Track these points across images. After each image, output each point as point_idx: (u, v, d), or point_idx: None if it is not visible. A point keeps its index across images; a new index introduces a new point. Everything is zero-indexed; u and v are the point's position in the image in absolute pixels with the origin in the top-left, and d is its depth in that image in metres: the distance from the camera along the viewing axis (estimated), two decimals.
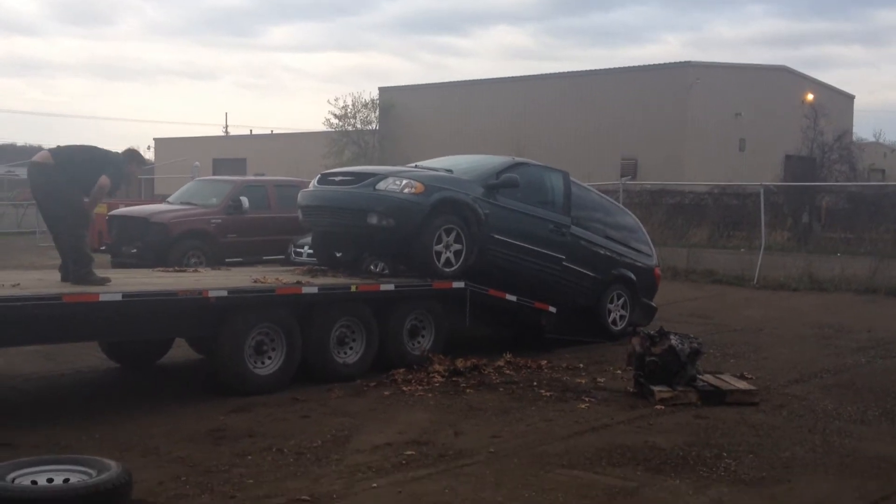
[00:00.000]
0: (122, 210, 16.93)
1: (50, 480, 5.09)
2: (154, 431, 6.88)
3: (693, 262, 19.62)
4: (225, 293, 7.95)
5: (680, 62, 40.16)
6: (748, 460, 6.37)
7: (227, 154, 55.17)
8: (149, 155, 63.25)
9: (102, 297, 7.21)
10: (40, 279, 8.50)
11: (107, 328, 7.60)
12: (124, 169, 8.56)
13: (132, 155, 8.86)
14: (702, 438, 6.93)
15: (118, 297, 7.27)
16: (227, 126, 78.00)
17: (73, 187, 8.14)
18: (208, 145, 57.27)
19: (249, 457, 6.26)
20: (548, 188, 11.09)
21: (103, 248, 16.92)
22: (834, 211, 32.78)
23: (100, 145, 8.68)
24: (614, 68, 42.37)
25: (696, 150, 38.18)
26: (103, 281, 8.04)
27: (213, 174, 37.82)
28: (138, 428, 6.97)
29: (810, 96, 41.41)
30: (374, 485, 5.71)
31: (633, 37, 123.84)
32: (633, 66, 41.98)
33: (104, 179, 8.16)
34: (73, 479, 5.09)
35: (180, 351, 9.77)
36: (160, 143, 61.50)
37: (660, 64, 41.13)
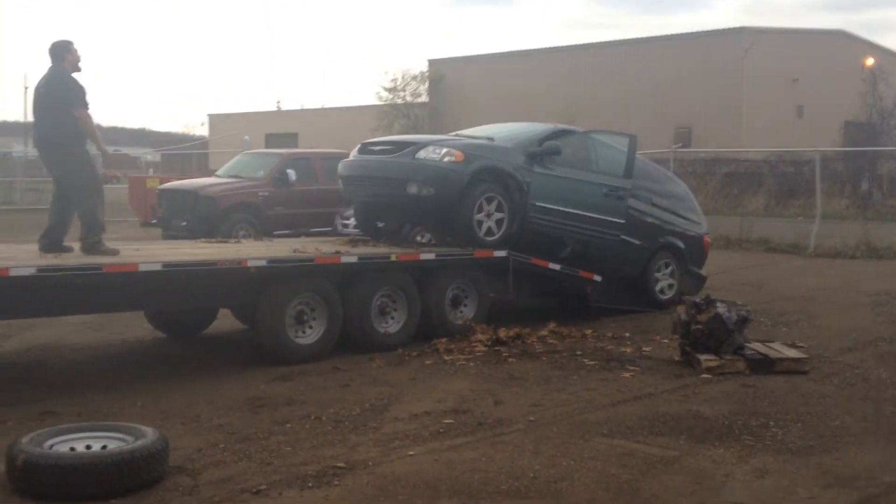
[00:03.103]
0: (172, 184, 17.14)
1: (88, 447, 5.15)
2: (196, 400, 6.93)
3: (746, 231, 19.27)
4: (264, 263, 7.96)
5: (735, 27, 39.30)
6: (796, 429, 6.20)
7: (279, 129, 55.49)
8: (203, 130, 64.03)
9: (142, 268, 7.25)
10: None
11: (147, 298, 7.67)
12: (68, 68, 7.88)
13: (60, 47, 7.87)
14: (748, 407, 6.76)
15: (158, 267, 7.31)
16: (279, 101, 78.51)
17: (67, 136, 7.74)
18: (261, 120, 57.65)
19: (288, 424, 6.27)
20: (602, 153, 10.80)
21: (155, 221, 17.17)
22: (895, 179, 31.95)
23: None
24: (668, 35, 41.65)
25: (752, 117, 37.41)
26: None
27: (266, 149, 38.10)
28: (181, 396, 7.02)
29: (870, 60, 40.31)
30: (411, 452, 5.66)
31: (685, 3, 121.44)
32: (688, 33, 41.18)
33: (78, 112, 7.71)
34: (110, 445, 5.14)
35: (225, 321, 9.85)
36: (214, 119, 62.09)
37: (714, 30, 40.26)
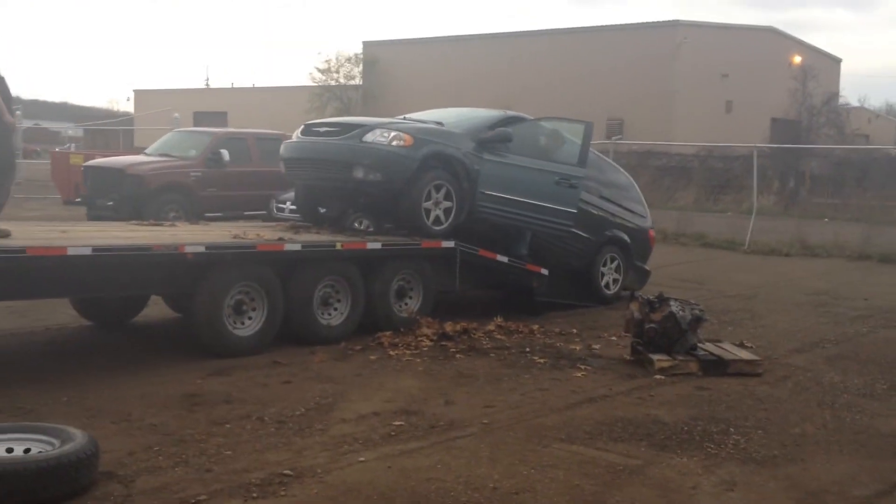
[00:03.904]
0: (98, 161, 16.37)
1: (9, 450, 4.68)
2: (126, 395, 6.45)
3: (683, 225, 19.33)
4: (202, 249, 7.48)
5: (668, 21, 39.57)
6: (757, 437, 6.02)
7: (207, 107, 54.12)
8: (128, 106, 62.19)
9: (71, 251, 6.72)
10: None
11: (76, 284, 7.11)
12: None
13: None
14: (706, 412, 6.57)
15: (87, 252, 6.78)
16: (208, 79, 76.74)
17: None
18: (189, 98, 56.11)
19: (227, 425, 5.85)
20: (553, 141, 10.48)
21: (79, 199, 16.40)
22: (818, 176, 32.61)
23: None
24: (603, 26, 41.74)
25: (682, 111, 37.74)
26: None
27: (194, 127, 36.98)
28: (109, 391, 6.54)
29: (798, 58, 41.06)
30: (362, 458, 5.31)
31: None
32: (622, 24, 41.29)
33: None
34: (35, 449, 4.69)
35: (156, 309, 9.32)
36: (140, 95, 60.27)
37: (648, 22, 40.46)
